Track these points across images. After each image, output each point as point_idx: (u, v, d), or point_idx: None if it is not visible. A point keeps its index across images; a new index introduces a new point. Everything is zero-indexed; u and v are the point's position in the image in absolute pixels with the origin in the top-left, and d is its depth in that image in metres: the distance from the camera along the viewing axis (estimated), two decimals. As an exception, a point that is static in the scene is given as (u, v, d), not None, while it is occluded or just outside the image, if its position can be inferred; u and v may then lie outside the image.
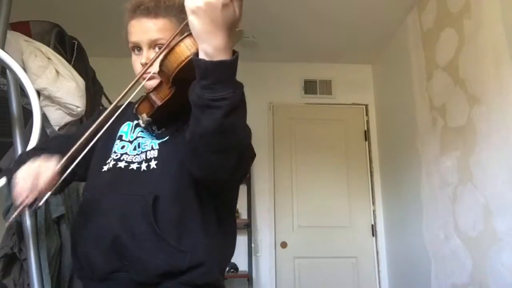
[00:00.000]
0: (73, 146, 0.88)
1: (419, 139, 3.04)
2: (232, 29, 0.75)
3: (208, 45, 0.73)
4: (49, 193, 0.85)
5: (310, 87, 4.01)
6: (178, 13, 0.98)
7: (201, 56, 0.75)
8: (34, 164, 0.87)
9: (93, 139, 0.90)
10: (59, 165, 0.86)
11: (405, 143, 3.27)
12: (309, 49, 3.79)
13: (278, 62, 3.97)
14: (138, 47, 1.02)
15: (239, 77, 0.79)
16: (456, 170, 2.53)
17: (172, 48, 0.84)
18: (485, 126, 2.27)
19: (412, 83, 3.15)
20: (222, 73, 0.74)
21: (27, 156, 1.02)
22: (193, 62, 0.76)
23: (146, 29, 0.99)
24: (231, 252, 1.04)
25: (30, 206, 0.85)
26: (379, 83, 3.94)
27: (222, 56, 0.74)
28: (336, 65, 4.03)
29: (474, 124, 2.36)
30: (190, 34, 0.81)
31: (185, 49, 0.83)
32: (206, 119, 0.76)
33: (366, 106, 4.01)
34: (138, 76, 0.95)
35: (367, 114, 3.99)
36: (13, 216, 0.84)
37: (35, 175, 0.84)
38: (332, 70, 4.04)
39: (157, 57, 0.91)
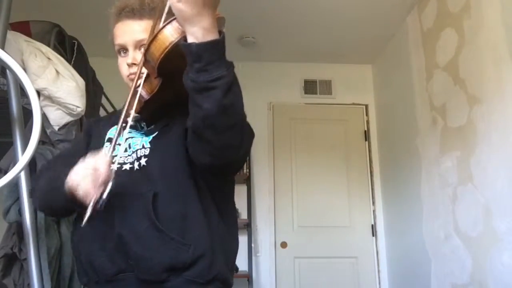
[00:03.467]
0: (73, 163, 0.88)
1: (419, 139, 3.04)
2: (216, 8, 0.77)
3: (198, 28, 0.75)
4: (110, 184, 0.84)
5: (310, 87, 4.01)
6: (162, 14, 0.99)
7: (190, 40, 0.76)
8: (86, 161, 0.85)
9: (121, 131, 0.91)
10: (109, 154, 0.86)
11: (405, 143, 3.27)
12: (309, 49, 3.79)
13: (278, 62, 3.97)
14: (124, 49, 1.03)
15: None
16: (456, 170, 2.53)
17: (155, 36, 0.84)
18: (485, 126, 2.27)
19: (412, 83, 3.15)
20: (214, 53, 0.76)
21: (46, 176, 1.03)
22: (183, 48, 0.77)
23: (132, 30, 1.01)
24: (235, 244, 1.04)
25: (97, 202, 0.83)
26: (379, 83, 3.94)
27: (211, 37, 0.75)
28: (336, 65, 4.03)
29: (474, 124, 2.36)
30: (171, 21, 0.82)
31: (168, 36, 0.83)
32: (206, 102, 0.77)
33: (366, 106, 4.01)
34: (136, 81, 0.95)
35: (367, 114, 3.99)
36: (87, 216, 0.82)
37: (93, 171, 0.82)
38: (332, 70, 4.04)
39: (145, 53, 0.91)
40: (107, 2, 1.08)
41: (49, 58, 1.81)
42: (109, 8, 1.06)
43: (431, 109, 2.87)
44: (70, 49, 2.13)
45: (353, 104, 4.00)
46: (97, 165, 0.83)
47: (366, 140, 3.93)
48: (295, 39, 3.62)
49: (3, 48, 1.49)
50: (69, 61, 2.01)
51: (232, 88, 0.78)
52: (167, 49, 0.83)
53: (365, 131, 3.96)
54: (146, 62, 0.89)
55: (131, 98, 0.93)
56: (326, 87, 4.01)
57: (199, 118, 0.80)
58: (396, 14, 3.23)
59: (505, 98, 2.11)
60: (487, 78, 2.26)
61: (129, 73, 1.01)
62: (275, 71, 3.97)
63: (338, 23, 3.35)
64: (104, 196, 0.83)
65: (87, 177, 0.82)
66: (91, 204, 0.82)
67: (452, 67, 2.61)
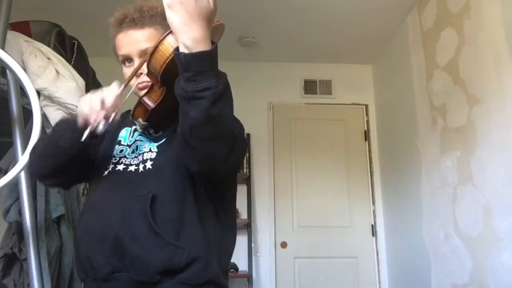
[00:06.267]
0: None
1: (419, 139, 3.04)
2: (209, 20, 0.78)
3: (186, 37, 0.76)
4: (115, 113, 0.90)
5: (310, 87, 4.01)
6: (162, 20, 0.98)
7: (181, 49, 0.77)
8: (96, 91, 0.92)
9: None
10: (121, 88, 0.91)
11: (405, 143, 3.27)
12: (309, 49, 3.79)
13: (278, 62, 3.97)
14: (128, 59, 1.04)
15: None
16: (456, 170, 2.53)
17: (156, 47, 0.85)
18: (485, 126, 2.27)
19: (412, 83, 3.15)
20: (203, 64, 0.76)
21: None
22: (174, 56, 0.78)
23: (135, 40, 1.02)
24: (231, 247, 1.06)
25: (97, 126, 0.90)
26: (379, 83, 3.94)
27: (201, 47, 0.76)
28: (336, 65, 4.03)
29: (474, 124, 2.36)
30: (171, 32, 0.83)
31: (168, 46, 0.85)
32: (193, 110, 0.78)
33: (366, 106, 4.01)
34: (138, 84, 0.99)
35: (367, 114, 3.99)
36: (86, 132, 0.89)
37: (101, 98, 0.90)
38: (332, 70, 4.04)
39: (143, 62, 0.93)
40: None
41: (49, 58, 1.81)
42: (108, 18, 1.06)
43: (431, 109, 2.87)
44: (70, 49, 2.13)
45: (353, 104, 4.00)
46: (105, 96, 0.90)
47: (366, 140, 3.93)
48: (295, 39, 3.62)
49: (3, 48, 1.49)
50: (69, 61, 2.01)
51: (221, 98, 0.78)
52: (168, 59, 0.84)
53: (365, 131, 3.96)
54: (149, 72, 0.90)
55: (138, 103, 0.97)
56: (326, 87, 4.01)
57: (186, 125, 0.81)
58: (396, 14, 3.23)
59: (505, 98, 2.11)
60: (487, 78, 2.26)
61: (137, 83, 1.02)
62: (275, 71, 3.97)
63: (338, 23, 3.35)
64: (110, 120, 0.90)
65: (94, 102, 0.90)
66: (93, 123, 0.89)
67: (452, 67, 2.61)
